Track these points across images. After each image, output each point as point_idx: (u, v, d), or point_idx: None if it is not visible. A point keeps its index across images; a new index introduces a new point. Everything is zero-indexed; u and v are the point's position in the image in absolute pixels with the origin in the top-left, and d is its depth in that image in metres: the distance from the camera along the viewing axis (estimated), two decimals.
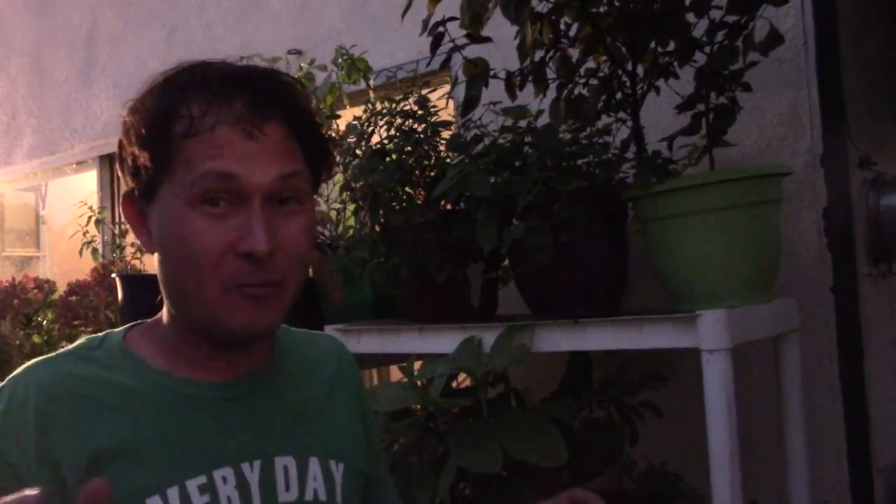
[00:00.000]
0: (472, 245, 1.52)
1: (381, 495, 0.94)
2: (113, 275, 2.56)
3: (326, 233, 2.10)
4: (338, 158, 1.84)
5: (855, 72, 1.84)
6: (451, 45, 1.55)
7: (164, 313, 0.80)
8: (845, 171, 1.79)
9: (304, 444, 0.81)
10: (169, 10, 3.44)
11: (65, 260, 4.46)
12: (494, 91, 1.60)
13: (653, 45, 1.51)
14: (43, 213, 4.71)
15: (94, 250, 3.19)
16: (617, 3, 1.51)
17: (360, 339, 1.77)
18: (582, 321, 1.43)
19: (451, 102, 2.06)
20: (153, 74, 0.76)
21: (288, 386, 0.84)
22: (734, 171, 1.41)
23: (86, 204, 3.21)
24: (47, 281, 3.13)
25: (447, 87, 1.98)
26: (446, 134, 1.74)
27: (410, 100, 1.76)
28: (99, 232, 3.37)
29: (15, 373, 0.76)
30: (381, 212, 1.70)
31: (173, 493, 0.72)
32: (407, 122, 1.73)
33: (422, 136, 1.71)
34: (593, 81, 1.64)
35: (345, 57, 2.18)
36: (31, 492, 0.46)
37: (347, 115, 2.04)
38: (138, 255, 2.79)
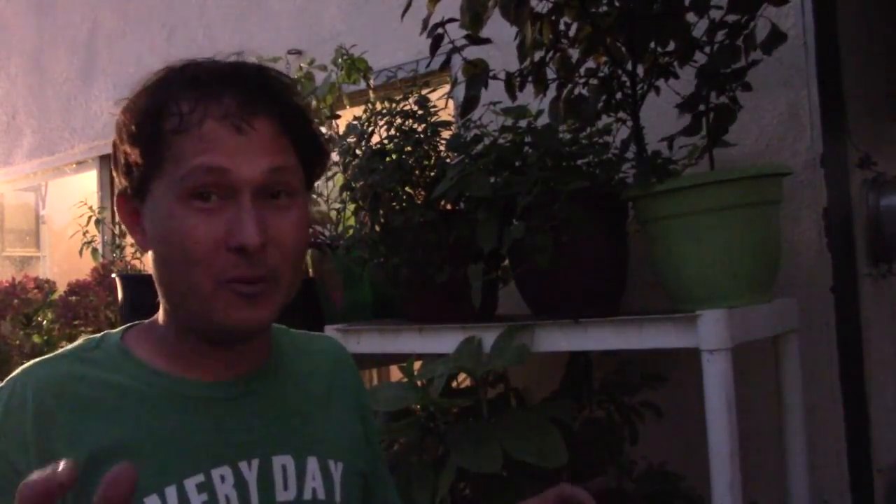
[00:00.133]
0: (472, 245, 1.52)
1: (382, 496, 0.94)
2: (113, 275, 2.56)
3: (326, 233, 2.10)
4: (337, 158, 1.84)
5: (855, 72, 1.84)
6: (451, 45, 1.55)
7: (161, 313, 0.80)
8: (845, 171, 1.79)
9: (303, 443, 0.81)
10: (169, 10, 3.44)
11: (65, 260, 4.46)
12: (494, 91, 1.60)
13: (653, 45, 1.51)
14: (43, 213, 4.71)
15: (94, 250, 3.19)
16: (617, 3, 1.51)
17: (360, 339, 1.77)
18: (582, 321, 1.43)
19: (450, 102, 2.06)
20: (147, 74, 0.76)
21: (286, 386, 0.84)
22: (734, 171, 1.41)
23: (86, 204, 3.22)
24: (47, 281, 3.13)
25: (447, 87, 1.98)
26: (446, 134, 1.74)
27: (410, 100, 1.76)
28: (99, 232, 3.37)
29: (13, 374, 0.76)
30: (381, 212, 1.70)
31: (171, 491, 0.72)
32: (407, 122, 1.73)
33: (422, 136, 1.71)
34: (593, 81, 1.64)
35: (345, 57, 2.18)
36: (62, 465, 0.46)
37: (347, 115, 2.04)
38: (138, 255, 2.79)
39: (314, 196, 2.13)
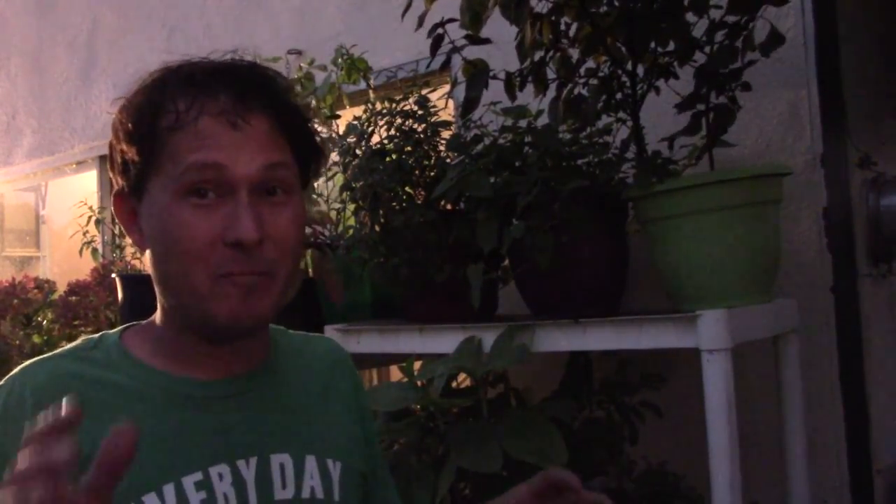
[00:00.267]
0: (472, 245, 1.52)
1: (381, 496, 0.94)
2: (113, 275, 2.56)
3: (326, 233, 2.10)
4: (337, 158, 1.84)
5: (855, 72, 1.83)
6: (451, 45, 1.55)
7: (159, 313, 0.81)
8: (845, 171, 1.79)
9: (301, 442, 0.81)
10: (169, 10, 3.44)
11: (65, 260, 4.46)
12: (494, 91, 1.60)
13: (653, 45, 1.51)
14: (43, 213, 4.71)
15: (94, 250, 3.19)
16: (617, 3, 1.51)
17: (360, 339, 1.77)
18: (582, 321, 1.43)
19: (450, 102, 2.06)
20: (143, 74, 0.77)
21: (284, 385, 0.85)
22: (734, 171, 1.41)
23: (86, 204, 3.22)
24: (47, 281, 3.13)
25: (447, 87, 1.98)
26: (446, 134, 1.74)
27: (410, 100, 1.76)
28: (99, 232, 3.37)
29: (12, 373, 0.76)
30: (381, 212, 1.70)
31: (169, 489, 0.72)
32: (407, 123, 1.73)
33: (422, 136, 1.71)
34: (593, 81, 1.64)
35: (345, 57, 2.18)
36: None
37: (347, 115, 2.04)
38: (138, 255, 2.79)
39: (314, 196, 2.13)
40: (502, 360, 1.47)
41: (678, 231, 1.42)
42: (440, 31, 1.53)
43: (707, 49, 1.47)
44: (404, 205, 1.66)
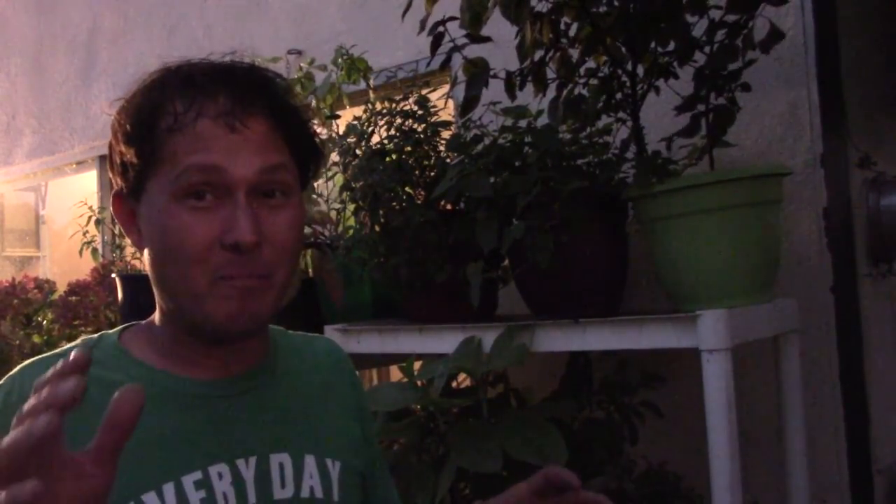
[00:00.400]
0: (472, 245, 1.52)
1: (381, 496, 0.94)
2: (113, 275, 2.56)
3: (326, 233, 2.10)
4: (337, 158, 1.84)
5: (855, 72, 1.83)
6: (451, 45, 1.55)
7: (158, 313, 0.81)
8: (845, 171, 1.79)
9: (300, 442, 0.82)
10: (169, 10, 3.44)
11: (65, 260, 4.47)
12: (494, 91, 1.60)
13: (653, 45, 1.51)
14: (43, 213, 4.71)
15: (94, 250, 3.19)
16: (617, 3, 1.51)
17: (360, 339, 1.77)
18: (582, 321, 1.43)
19: (450, 102, 2.06)
20: (142, 75, 0.77)
21: (283, 385, 0.85)
22: (734, 171, 1.41)
23: (86, 204, 3.21)
24: (47, 281, 3.13)
25: (447, 87, 1.98)
26: (446, 134, 1.74)
27: (410, 100, 1.76)
28: (99, 232, 3.37)
29: (12, 372, 0.76)
30: (381, 212, 1.70)
31: (169, 489, 0.72)
32: (407, 122, 1.73)
33: (422, 136, 1.71)
34: (593, 81, 1.64)
35: (345, 57, 2.18)
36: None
37: (347, 115, 2.04)
38: (138, 255, 2.79)
39: (314, 196, 2.13)
40: (502, 360, 1.47)
41: (678, 231, 1.42)
42: (440, 29, 1.53)
43: (707, 49, 1.47)
44: (404, 205, 1.66)
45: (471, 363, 1.50)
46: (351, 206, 1.85)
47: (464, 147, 1.60)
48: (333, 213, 2.10)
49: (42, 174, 4.22)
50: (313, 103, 2.17)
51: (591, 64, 1.63)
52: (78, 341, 0.81)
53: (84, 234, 3.13)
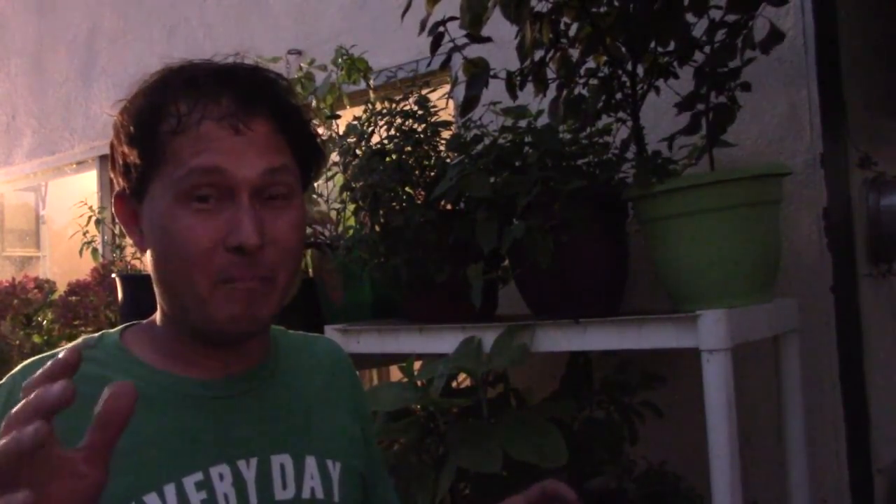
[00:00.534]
0: (472, 245, 1.52)
1: (381, 496, 0.95)
2: (113, 275, 2.56)
3: (326, 233, 2.10)
4: (337, 158, 1.84)
5: (855, 72, 1.84)
6: (451, 45, 1.55)
7: (159, 313, 0.81)
8: (845, 171, 1.79)
9: (301, 442, 0.82)
10: (169, 10, 3.44)
11: (65, 260, 4.47)
12: (494, 91, 1.60)
13: (653, 45, 1.51)
14: (43, 213, 4.71)
15: (94, 250, 3.19)
16: (617, 3, 1.51)
17: (360, 339, 1.77)
18: (582, 321, 1.43)
19: (451, 102, 2.06)
20: (144, 75, 0.77)
21: (284, 386, 0.85)
22: (734, 171, 1.41)
23: (86, 204, 3.21)
24: (47, 281, 3.13)
25: (447, 87, 1.98)
26: (446, 134, 1.74)
27: (410, 100, 1.76)
28: (99, 232, 3.37)
29: (12, 371, 0.76)
30: (381, 212, 1.70)
31: (170, 489, 0.72)
32: (407, 122, 1.73)
33: (422, 136, 1.71)
34: (593, 81, 1.64)
35: (345, 57, 2.18)
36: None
37: (347, 115, 2.04)
38: (138, 255, 2.79)
39: (314, 196, 2.13)
40: (502, 360, 1.47)
41: (678, 231, 1.42)
42: (440, 29, 1.53)
43: (707, 49, 1.47)
44: (404, 205, 1.66)
45: (471, 363, 1.50)
46: (351, 206, 1.85)
47: (464, 147, 1.60)
48: (333, 213, 2.10)
49: (42, 174, 4.22)
50: (313, 103, 2.17)
51: (591, 64, 1.63)
52: (79, 341, 0.81)
53: (84, 234, 3.12)
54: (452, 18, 1.52)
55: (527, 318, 1.58)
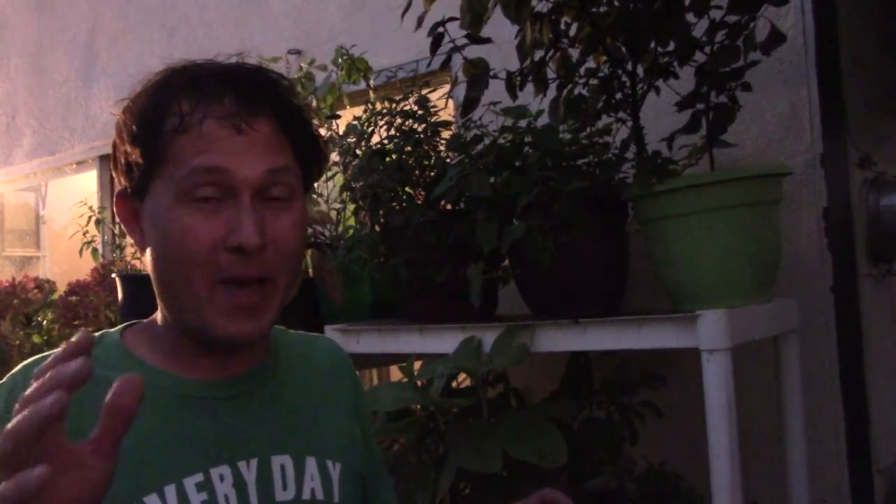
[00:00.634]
0: (472, 245, 1.52)
1: (380, 496, 0.94)
2: (113, 275, 2.56)
3: (326, 233, 2.10)
4: (337, 158, 1.84)
5: (855, 72, 1.83)
6: (452, 45, 1.55)
7: (159, 313, 0.81)
8: (845, 171, 1.79)
9: (301, 443, 0.81)
10: (169, 10, 3.44)
11: (65, 260, 4.47)
12: (494, 91, 1.60)
13: (653, 45, 1.51)
14: (43, 213, 4.71)
15: (94, 250, 3.19)
16: (617, 3, 1.51)
17: (359, 339, 1.77)
18: (582, 321, 1.43)
19: (451, 102, 2.06)
20: (147, 75, 0.77)
21: (284, 386, 0.85)
22: (734, 171, 1.41)
23: (86, 204, 3.21)
24: (47, 281, 3.13)
25: (447, 87, 1.98)
26: (446, 134, 1.74)
27: (410, 100, 1.76)
28: (99, 232, 3.37)
29: (13, 371, 0.76)
30: (381, 212, 1.70)
31: (170, 490, 0.72)
32: (407, 123, 1.73)
33: (422, 136, 1.72)
34: (593, 81, 1.64)
35: (345, 57, 2.18)
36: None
37: (347, 115, 2.04)
38: (138, 255, 2.79)
39: (314, 196, 2.13)
40: (502, 360, 1.47)
41: (678, 231, 1.42)
42: (440, 29, 1.53)
43: (707, 49, 1.47)
44: (404, 205, 1.66)
45: (471, 363, 1.50)
46: (351, 206, 1.85)
47: (464, 147, 1.60)
48: (333, 213, 2.10)
49: (42, 174, 4.22)
50: (313, 103, 2.17)
51: (591, 64, 1.63)
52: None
53: (84, 234, 3.13)
54: (452, 19, 1.52)
55: (527, 318, 1.58)
